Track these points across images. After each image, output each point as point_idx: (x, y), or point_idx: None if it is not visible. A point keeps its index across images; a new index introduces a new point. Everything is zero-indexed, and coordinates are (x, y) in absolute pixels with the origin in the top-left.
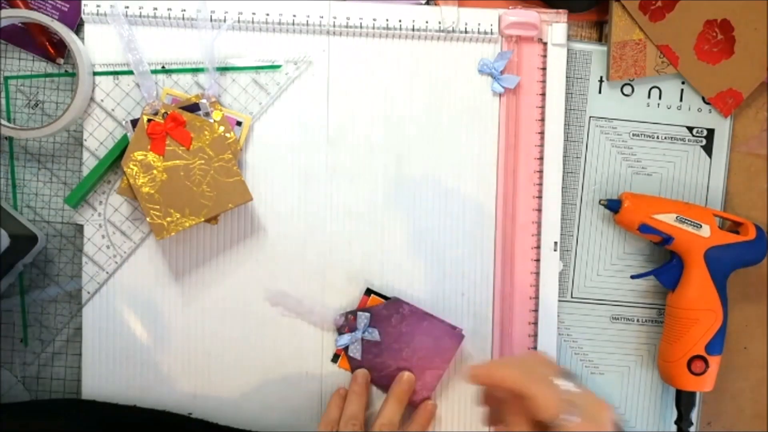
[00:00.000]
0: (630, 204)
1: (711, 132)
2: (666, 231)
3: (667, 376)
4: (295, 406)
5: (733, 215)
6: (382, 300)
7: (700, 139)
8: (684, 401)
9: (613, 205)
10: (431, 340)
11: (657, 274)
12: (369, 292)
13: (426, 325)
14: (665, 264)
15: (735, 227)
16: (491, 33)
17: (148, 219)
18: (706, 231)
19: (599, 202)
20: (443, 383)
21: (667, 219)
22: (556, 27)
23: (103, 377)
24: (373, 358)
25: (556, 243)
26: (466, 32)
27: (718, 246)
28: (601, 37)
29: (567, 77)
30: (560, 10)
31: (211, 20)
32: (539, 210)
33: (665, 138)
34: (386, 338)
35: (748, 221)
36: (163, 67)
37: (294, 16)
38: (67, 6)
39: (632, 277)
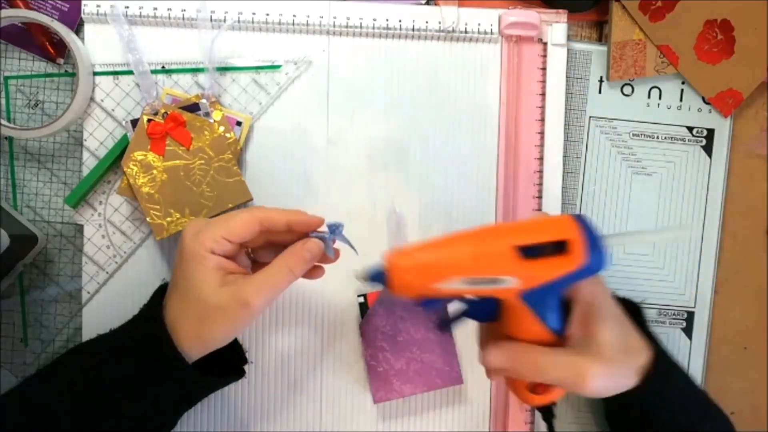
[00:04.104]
0: (397, 275)
1: (711, 132)
2: (459, 296)
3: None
4: (297, 407)
5: (542, 239)
6: None
7: (700, 139)
8: (544, 414)
9: (378, 278)
10: (436, 359)
11: (469, 315)
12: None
13: (442, 346)
14: (476, 300)
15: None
16: (491, 33)
17: (148, 219)
18: (509, 282)
19: (355, 276)
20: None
21: (453, 285)
22: (556, 27)
23: None
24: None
25: None
26: (466, 32)
27: (534, 289)
28: (601, 37)
29: (567, 77)
30: (560, 10)
31: (211, 20)
32: (539, 210)
33: (665, 138)
34: (405, 327)
35: (574, 232)
36: (163, 67)
37: (294, 16)
38: (67, 6)
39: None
